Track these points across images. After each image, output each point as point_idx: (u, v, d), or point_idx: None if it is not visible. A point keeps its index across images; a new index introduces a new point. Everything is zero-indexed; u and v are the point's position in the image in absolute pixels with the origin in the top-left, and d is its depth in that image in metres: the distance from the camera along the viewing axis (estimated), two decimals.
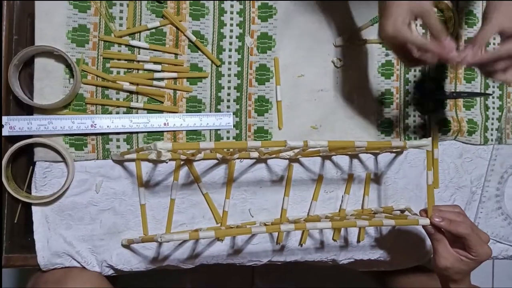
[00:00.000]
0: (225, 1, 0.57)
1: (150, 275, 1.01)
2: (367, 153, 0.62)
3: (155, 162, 0.55)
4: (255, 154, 0.57)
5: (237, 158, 0.57)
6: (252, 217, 0.59)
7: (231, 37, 0.58)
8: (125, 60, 0.55)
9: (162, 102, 0.56)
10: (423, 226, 0.51)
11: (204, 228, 0.56)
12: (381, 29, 0.46)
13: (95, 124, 0.53)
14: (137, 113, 0.55)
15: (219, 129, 0.57)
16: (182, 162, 0.56)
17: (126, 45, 0.55)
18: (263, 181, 0.59)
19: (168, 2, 0.55)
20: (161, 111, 0.56)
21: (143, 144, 0.55)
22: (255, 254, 0.58)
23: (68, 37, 0.53)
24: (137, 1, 0.55)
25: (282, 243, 0.59)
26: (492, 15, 0.46)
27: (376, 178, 0.62)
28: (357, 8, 0.61)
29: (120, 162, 0.55)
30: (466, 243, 0.49)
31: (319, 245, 0.61)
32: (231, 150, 0.53)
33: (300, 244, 0.60)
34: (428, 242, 0.63)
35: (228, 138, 0.58)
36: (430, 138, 0.51)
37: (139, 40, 0.55)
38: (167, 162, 0.55)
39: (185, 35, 0.56)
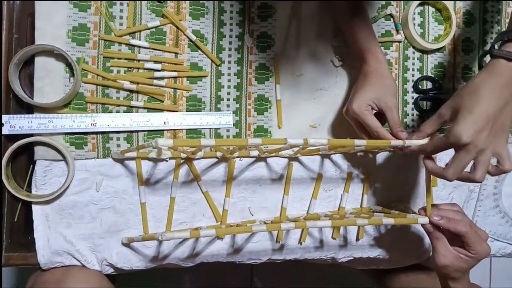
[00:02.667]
0: (224, 1, 0.58)
1: (149, 275, 1.01)
2: (366, 151, 0.62)
3: (155, 160, 0.55)
4: (254, 153, 0.57)
5: (237, 157, 0.58)
6: (252, 215, 0.59)
7: (230, 36, 0.58)
8: (125, 59, 0.55)
9: (162, 101, 0.56)
10: (423, 225, 0.52)
11: (204, 227, 0.57)
12: (348, 105, 0.54)
13: (96, 123, 0.53)
14: (137, 112, 0.55)
15: (219, 128, 0.58)
16: (182, 161, 0.56)
17: (127, 44, 0.55)
18: (262, 179, 0.59)
19: (168, 1, 0.56)
20: (161, 110, 0.56)
21: (143, 143, 0.55)
22: (255, 252, 0.59)
23: (69, 36, 0.53)
24: (137, 1, 0.55)
25: (282, 241, 0.59)
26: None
27: (375, 177, 0.63)
28: None
29: (121, 161, 0.55)
30: (465, 241, 0.49)
31: (319, 244, 0.61)
32: (231, 148, 0.53)
33: (300, 243, 0.60)
34: (427, 240, 0.63)
35: (228, 137, 0.58)
36: (428, 137, 0.51)
37: (139, 39, 0.55)
38: (167, 161, 0.56)
39: (185, 34, 0.56)
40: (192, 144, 0.41)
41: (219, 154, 0.56)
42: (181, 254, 0.56)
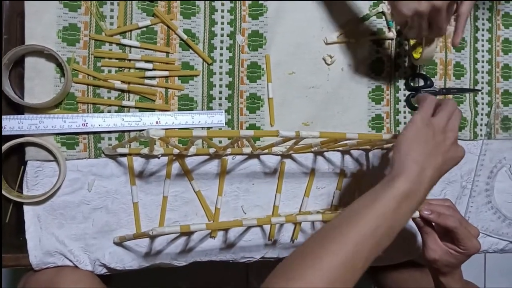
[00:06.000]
0: (216, 0, 0.58)
1: (144, 277, 1.00)
2: (358, 149, 0.62)
3: (148, 157, 0.55)
4: (247, 150, 0.57)
5: (230, 154, 0.58)
6: (245, 213, 0.59)
7: (222, 35, 0.58)
8: (116, 59, 0.55)
9: (154, 101, 0.56)
10: (413, 219, 0.52)
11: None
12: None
13: (87, 123, 0.53)
14: (128, 111, 0.55)
15: (211, 127, 0.58)
16: (174, 158, 0.56)
17: (117, 44, 0.55)
18: (255, 177, 0.59)
19: (159, 0, 0.56)
20: (153, 110, 0.56)
21: (135, 143, 0.55)
22: (248, 250, 0.59)
23: (59, 36, 0.53)
24: (128, 0, 0.55)
25: (274, 238, 0.59)
26: None
27: (368, 174, 0.63)
28: (347, 5, 0.61)
29: (113, 157, 0.54)
30: (454, 236, 0.49)
31: None
32: (223, 144, 0.53)
33: (292, 240, 0.60)
34: (419, 237, 0.63)
35: None
36: None
37: (130, 39, 0.55)
38: (159, 158, 0.55)
39: (176, 34, 0.56)
40: (184, 135, 0.42)
41: (211, 150, 0.56)
42: (173, 253, 0.56)
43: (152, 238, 0.55)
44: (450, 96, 0.66)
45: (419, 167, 0.41)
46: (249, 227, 0.58)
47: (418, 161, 0.42)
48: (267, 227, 0.59)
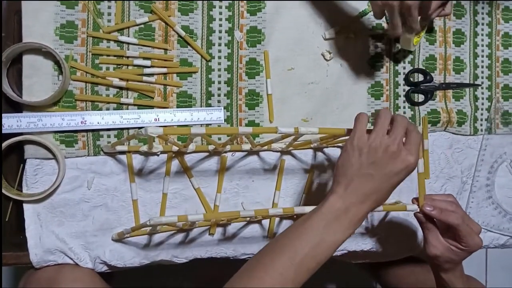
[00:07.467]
0: None
1: (146, 275, 1.00)
2: None
3: (147, 154, 0.55)
4: (247, 147, 0.57)
5: (229, 151, 0.57)
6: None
7: (220, 31, 0.58)
8: (114, 56, 0.54)
9: (153, 98, 0.56)
10: (415, 214, 0.52)
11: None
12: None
13: (85, 121, 0.53)
14: (127, 109, 0.55)
15: (210, 124, 0.58)
16: (173, 155, 0.56)
17: (115, 41, 0.54)
18: (255, 174, 0.59)
19: None
20: (151, 107, 0.56)
21: (134, 141, 0.55)
22: (248, 247, 0.59)
23: (56, 34, 0.52)
24: None
25: (273, 232, 0.59)
26: None
27: None
28: (346, 1, 0.61)
29: (112, 155, 0.54)
30: (456, 233, 0.49)
31: None
32: (222, 141, 0.53)
33: None
34: (421, 233, 0.63)
35: None
36: (420, 127, 0.51)
37: (128, 36, 0.55)
38: (158, 155, 0.55)
39: (174, 30, 0.56)
40: (182, 132, 0.42)
41: (211, 147, 0.56)
42: (174, 250, 0.56)
43: (151, 233, 0.55)
44: (450, 93, 0.66)
45: (350, 188, 0.43)
46: (248, 223, 0.58)
47: (348, 184, 0.44)
48: (266, 224, 0.59)
